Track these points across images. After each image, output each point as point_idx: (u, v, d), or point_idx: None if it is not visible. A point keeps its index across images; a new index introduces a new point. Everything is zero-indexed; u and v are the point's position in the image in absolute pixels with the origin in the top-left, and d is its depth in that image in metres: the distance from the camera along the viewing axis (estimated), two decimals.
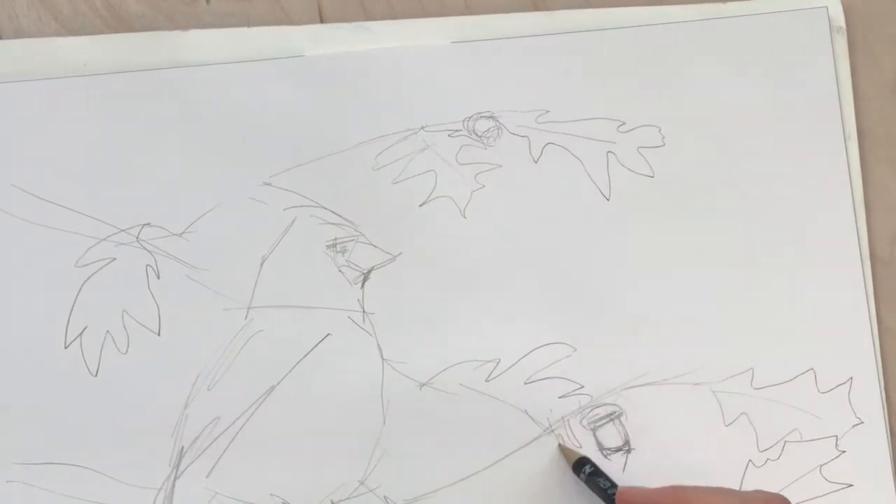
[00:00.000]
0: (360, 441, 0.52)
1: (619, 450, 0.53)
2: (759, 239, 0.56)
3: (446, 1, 0.56)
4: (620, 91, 0.56)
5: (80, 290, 0.51)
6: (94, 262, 0.52)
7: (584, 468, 0.51)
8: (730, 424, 0.54)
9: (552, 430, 0.53)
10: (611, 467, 0.53)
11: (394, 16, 0.56)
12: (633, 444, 0.54)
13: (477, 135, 0.55)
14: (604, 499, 0.50)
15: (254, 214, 0.53)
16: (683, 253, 0.55)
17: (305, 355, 0.52)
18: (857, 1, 0.59)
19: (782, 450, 0.54)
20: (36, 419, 0.50)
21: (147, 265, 0.52)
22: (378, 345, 0.53)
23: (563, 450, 0.53)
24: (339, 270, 0.53)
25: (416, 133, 0.55)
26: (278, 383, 0.52)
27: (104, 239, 0.52)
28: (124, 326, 0.51)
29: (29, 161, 0.52)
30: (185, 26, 0.54)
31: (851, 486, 0.54)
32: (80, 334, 0.51)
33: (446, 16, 0.56)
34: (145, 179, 0.53)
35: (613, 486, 0.50)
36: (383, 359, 0.53)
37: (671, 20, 0.57)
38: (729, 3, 0.58)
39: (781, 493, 0.53)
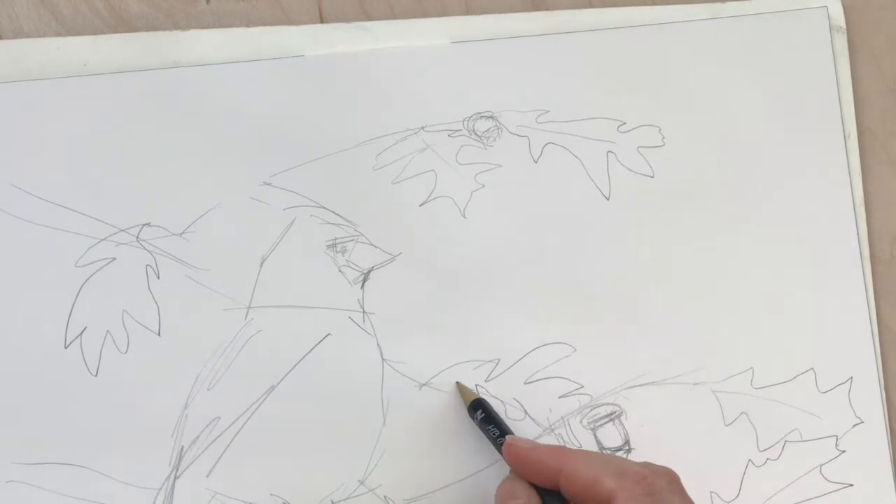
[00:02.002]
0: (360, 441, 0.52)
1: (619, 450, 0.53)
2: (759, 239, 0.56)
3: (446, 1, 0.56)
4: (620, 91, 0.56)
5: (79, 290, 0.51)
6: (93, 262, 0.51)
7: (477, 412, 0.50)
8: (730, 424, 0.54)
9: (552, 430, 0.53)
10: None
11: (394, 16, 0.56)
12: (633, 444, 0.54)
13: (477, 135, 0.55)
14: (495, 447, 0.49)
15: (254, 214, 0.53)
16: (683, 253, 0.55)
17: (305, 355, 0.52)
18: (857, 1, 0.59)
19: (782, 449, 0.54)
20: (36, 419, 0.50)
21: (147, 265, 0.52)
22: (378, 345, 0.53)
23: (460, 388, 0.52)
24: (339, 270, 0.53)
25: (416, 133, 0.55)
26: (278, 383, 0.52)
27: (104, 239, 0.52)
28: (124, 326, 0.51)
29: (29, 161, 0.52)
30: (185, 26, 0.54)
31: (851, 485, 0.54)
32: (80, 334, 0.51)
33: (446, 16, 0.56)
34: (145, 179, 0.52)
35: (503, 434, 0.49)
36: (383, 359, 0.53)
37: (671, 20, 0.57)
38: (728, 3, 0.58)
39: (781, 492, 0.54)
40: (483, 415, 0.50)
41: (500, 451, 0.48)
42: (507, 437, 0.48)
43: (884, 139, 0.58)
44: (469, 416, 0.51)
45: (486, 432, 0.50)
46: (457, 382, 0.52)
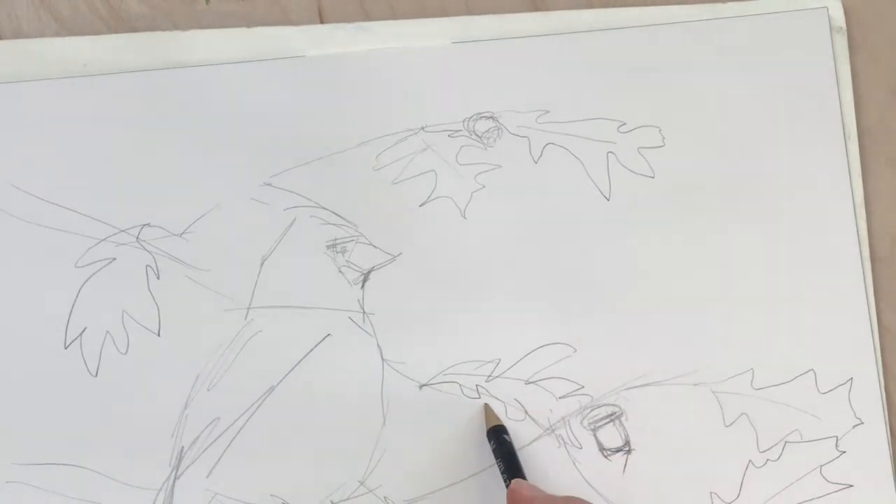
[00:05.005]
0: (360, 441, 0.52)
1: (619, 450, 0.53)
2: (759, 239, 0.56)
3: (446, 1, 0.56)
4: (620, 91, 0.56)
5: (79, 290, 0.51)
6: (93, 263, 0.52)
7: (492, 440, 0.51)
8: (730, 425, 0.54)
9: (553, 431, 0.53)
10: (611, 468, 0.53)
11: (394, 16, 0.56)
12: (633, 445, 0.54)
13: (477, 135, 0.55)
14: (503, 479, 0.50)
15: (254, 215, 0.53)
16: (683, 253, 0.55)
17: (305, 356, 0.52)
18: (857, 1, 0.59)
19: (782, 450, 0.54)
20: (36, 419, 0.50)
21: (147, 265, 0.52)
22: (378, 345, 0.53)
23: (487, 411, 0.52)
24: (339, 271, 0.53)
25: (416, 133, 0.55)
26: (278, 384, 0.52)
27: (104, 239, 0.52)
28: (124, 327, 0.51)
29: (29, 161, 0.52)
30: (185, 26, 0.54)
31: (852, 486, 0.54)
32: (80, 335, 0.51)
33: (446, 16, 0.56)
34: (145, 179, 0.53)
35: (511, 474, 0.49)
36: (383, 359, 0.53)
37: (671, 20, 0.57)
38: (729, 4, 0.58)
39: (781, 493, 0.54)
40: (495, 446, 0.50)
41: (505, 483, 0.49)
42: (514, 481, 0.48)
43: (884, 139, 0.58)
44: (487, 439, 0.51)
45: (497, 464, 0.50)
46: (485, 405, 0.52)
